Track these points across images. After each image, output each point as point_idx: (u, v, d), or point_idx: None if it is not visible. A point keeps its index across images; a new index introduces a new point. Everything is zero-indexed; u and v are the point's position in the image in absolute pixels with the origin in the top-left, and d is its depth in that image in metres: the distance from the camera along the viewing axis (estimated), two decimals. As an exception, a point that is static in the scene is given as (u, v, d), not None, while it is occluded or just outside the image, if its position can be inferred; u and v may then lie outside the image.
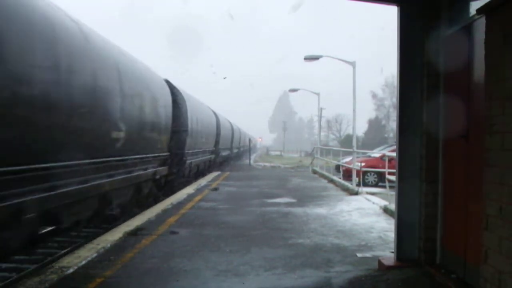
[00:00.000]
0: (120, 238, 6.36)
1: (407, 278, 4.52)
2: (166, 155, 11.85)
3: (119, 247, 5.88)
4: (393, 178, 10.73)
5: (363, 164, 13.61)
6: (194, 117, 15.22)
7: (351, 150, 15.22)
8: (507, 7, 3.00)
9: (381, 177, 13.80)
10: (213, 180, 15.88)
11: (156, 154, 10.76)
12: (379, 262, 4.99)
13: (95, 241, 6.19)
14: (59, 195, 5.93)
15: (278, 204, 10.09)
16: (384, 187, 12.52)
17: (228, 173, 19.95)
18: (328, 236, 6.63)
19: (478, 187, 3.45)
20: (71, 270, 4.81)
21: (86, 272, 4.81)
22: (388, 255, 5.30)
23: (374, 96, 48.98)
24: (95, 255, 5.44)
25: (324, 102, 54.94)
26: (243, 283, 4.48)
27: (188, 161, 14.71)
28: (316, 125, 42.05)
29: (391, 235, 5.69)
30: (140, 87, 9.31)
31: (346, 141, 34.40)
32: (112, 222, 8.00)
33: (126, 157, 8.47)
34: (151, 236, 6.54)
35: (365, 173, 13.82)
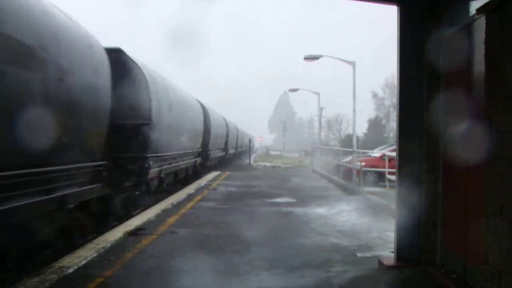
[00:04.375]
0: (120, 238, 6.36)
1: (407, 278, 4.52)
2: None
3: (119, 247, 5.89)
4: (393, 178, 10.75)
5: (363, 163, 13.58)
6: (214, 123, 21.01)
7: (351, 150, 15.22)
8: (507, 6, 3.00)
9: (381, 176, 13.76)
10: (213, 179, 15.88)
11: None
12: (379, 262, 4.99)
13: (95, 241, 6.19)
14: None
15: (278, 204, 10.09)
16: (384, 186, 12.53)
17: (228, 172, 19.93)
18: (328, 236, 6.63)
19: (479, 187, 3.45)
20: (71, 270, 4.81)
21: (86, 272, 4.81)
22: (388, 255, 5.30)
23: (374, 96, 48.95)
24: (95, 255, 5.44)
25: (324, 102, 54.93)
26: (243, 283, 4.48)
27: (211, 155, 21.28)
28: (316, 125, 42.01)
29: (391, 235, 5.68)
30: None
31: (346, 141, 34.31)
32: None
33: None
34: (151, 236, 6.55)
35: (365, 172, 13.77)
